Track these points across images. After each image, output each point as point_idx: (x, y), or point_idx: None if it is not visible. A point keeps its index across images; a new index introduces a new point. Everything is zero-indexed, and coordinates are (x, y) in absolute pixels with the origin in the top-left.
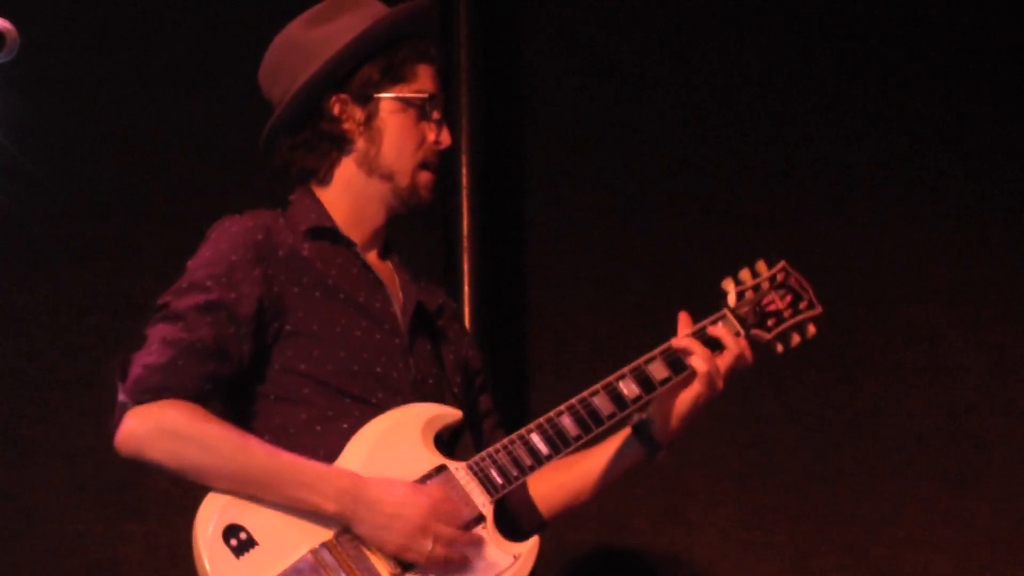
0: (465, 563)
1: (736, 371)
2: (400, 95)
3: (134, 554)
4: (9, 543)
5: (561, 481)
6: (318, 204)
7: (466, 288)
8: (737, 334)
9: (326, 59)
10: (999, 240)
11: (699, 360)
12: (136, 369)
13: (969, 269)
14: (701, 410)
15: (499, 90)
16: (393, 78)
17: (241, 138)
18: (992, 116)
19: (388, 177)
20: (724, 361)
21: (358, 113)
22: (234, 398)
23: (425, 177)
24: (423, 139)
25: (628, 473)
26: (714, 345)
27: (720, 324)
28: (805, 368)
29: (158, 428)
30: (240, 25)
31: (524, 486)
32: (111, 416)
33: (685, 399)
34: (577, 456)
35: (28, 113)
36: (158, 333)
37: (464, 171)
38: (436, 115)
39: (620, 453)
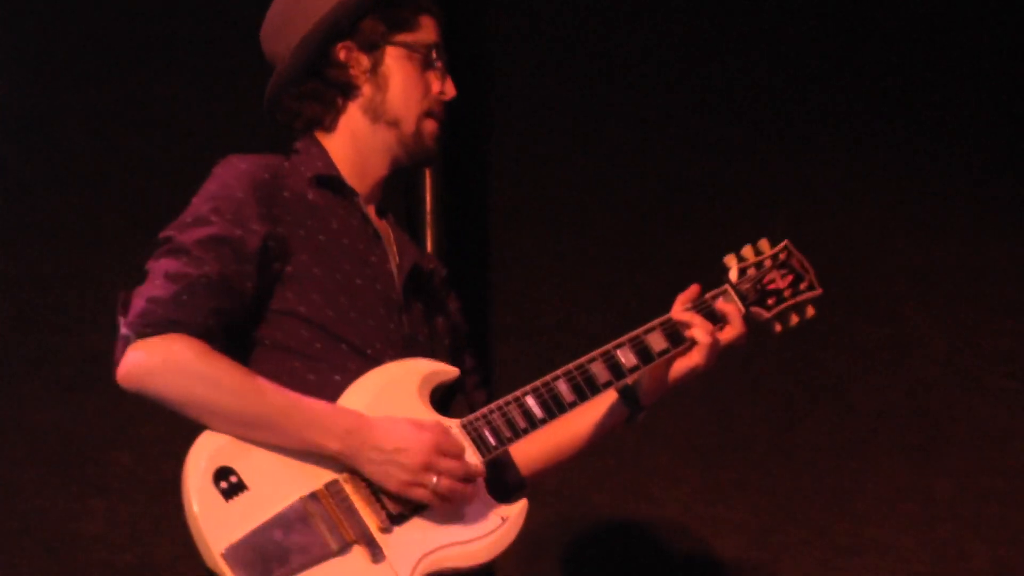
0: (457, 520)
1: (734, 348)
2: (405, 43)
3: (96, 529)
4: None
5: (543, 439)
6: (324, 153)
7: None
8: (739, 311)
9: (330, 8)
10: (961, 216)
11: (701, 332)
12: (140, 302)
13: (931, 245)
14: (692, 381)
15: (463, 66)
16: (398, 27)
17: (206, 115)
18: (952, 91)
19: (394, 124)
20: (725, 336)
21: (364, 60)
22: (231, 341)
23: (430, 126)
24: (428, 88)
25: (609, 434)
26: (715, 319)
27: (721, 299)
28: (767, 343)
29: (165, 362)
30: (211, 4)
31: None
32: (112, 351)
33: (680, 368)
34: (562, 416)
35: None
36: (161, 267)
37: None
38: (439, 65)
39: (602, 414)
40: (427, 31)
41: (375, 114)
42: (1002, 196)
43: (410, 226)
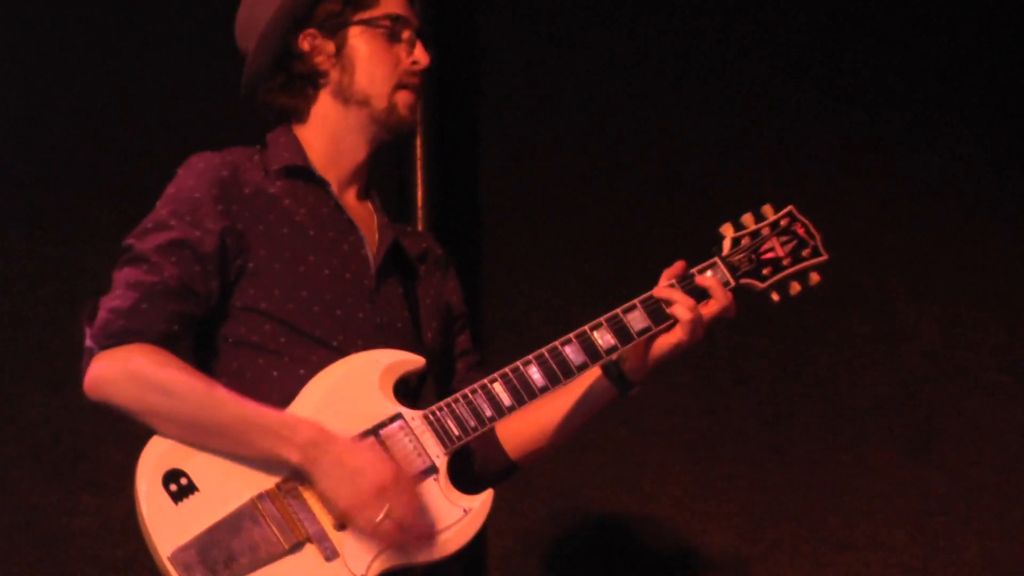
0: (417, 526)
1: (721, 321)
2: (365, 20)
3: (88, 526)
4: None
5: (529, 420)
6: (294, 142)
7: None
8: (726, 284)
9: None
10: (952, 211)
11: (682, 308)
12: (103, 313)
13: (922, 239)
14: (677, 357)
15: (453, 61)
16: (356, 5)
17: (195, 108)
18: (943, 88)
19: (364, 103)
20: (708, 311)
21: (328, 46)
22: (196, 342)
23: (404, 97)
24: (397, 61)
25: (599, 413)
26: (700, 295)
27: (709, 273)
28: (758, 337)
29: (124, 372)
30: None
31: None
32: (79, 363)
33: (663, 345)
34: (544, 398)
35: None
36: (123, 277)
37: (419, 142)
38: (406, 35)
39: (590, 393)
40: (389, 4)
41: (345, 97)
42: (993, 190)
43: (401, 221)
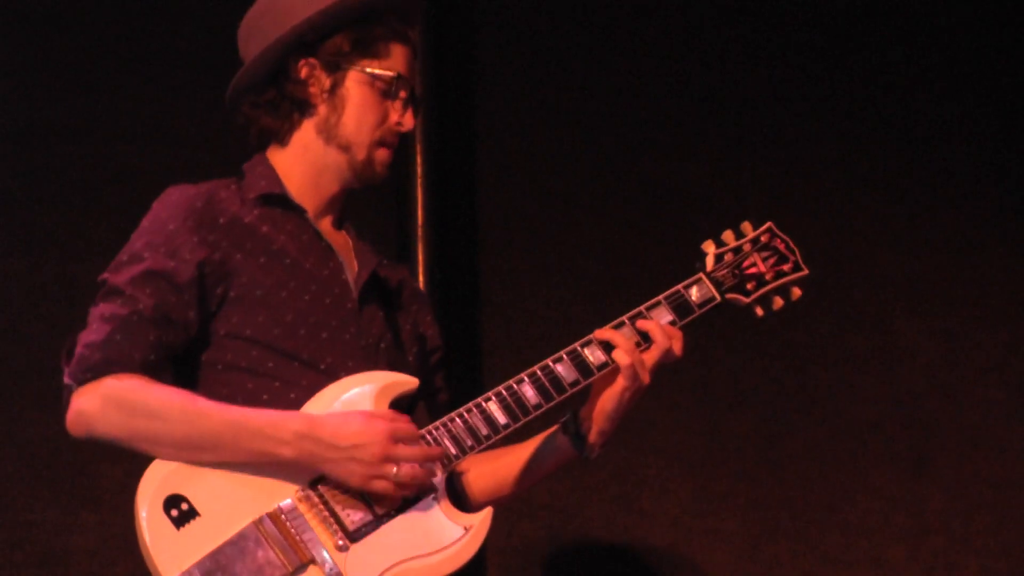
0: (417, 533)
1: (665, 365)
2: (368, 69)
3: (87, 543)
4: None
5: (491, 469)
6: (270, 171)
7: (420, 276)
8: (711, 299)
9: (298, 21)
10: (949, 226)
11: (621, 354)
12: (78, 349)
13: (919, 256)
14: (627, 405)
15: (451, 79)
16: (364, 52)
17: (194, 127)
18: (940, 104)
19: (345, 148)
20: (650, 356)
21: (324, 80)
22: (182, 369)
23: (382, 154)
24: (385, 117)
25: (559, 469)
26: (642, 337)
27: (694, 289)
28: (756, 355)
29: (104, 402)
30: (198, 15)
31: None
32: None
33: (611, 395)
34: (507, 448)
35: None
36: (98, 312)
37: (419, 160)
38: (403, 95)
39: (549, 449)
40: (396, 60)
41: (328, 135)
42: (991, 206)
43: (401, 241)
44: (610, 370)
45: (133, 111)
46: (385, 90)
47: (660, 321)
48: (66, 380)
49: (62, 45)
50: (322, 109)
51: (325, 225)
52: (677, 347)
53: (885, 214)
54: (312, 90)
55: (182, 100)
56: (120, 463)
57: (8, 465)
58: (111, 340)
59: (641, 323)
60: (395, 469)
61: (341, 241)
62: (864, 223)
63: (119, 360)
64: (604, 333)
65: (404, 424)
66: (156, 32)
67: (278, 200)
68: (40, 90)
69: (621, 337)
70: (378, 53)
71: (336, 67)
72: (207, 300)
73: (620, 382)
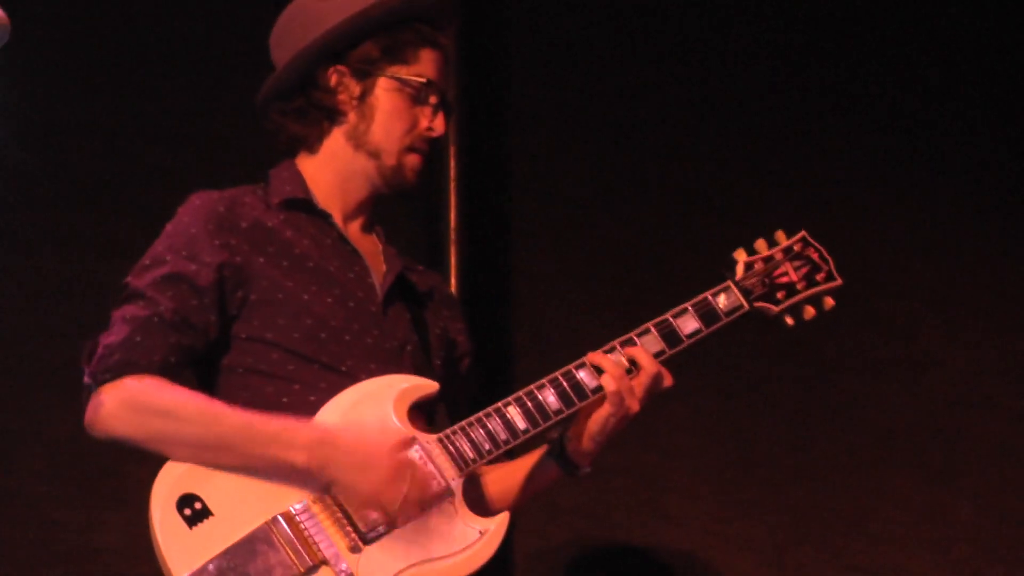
0: (431, 536)
1: (655, 392)
2: (397, 75)
3: (112, 543)
4: None
5: (484, 487)
6: (296, 176)
7: (453, 279)
8: (739, 307)
9: (326, 29)
10: (977, 236)
11: (609, 379)
12: (99, 350)
13: (948, 265)
14: (613, 430)
15: (485, 85)
16: (393, 58)
17: (222, 129)
18: (973, 112)
19: (375, 155)
20: (639, 382)
21: (354, 87)
22: (203, 373)
23: (412, 160)
24: (415, 123)
25: (546, 489)
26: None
27: (722, 297)
28: (783, 363)
29: (121, 403)
30: (228, 17)
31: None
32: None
33: (597, 419)
34: (496, 465)
35: (12, 99)
36: (120, 314)
37: (452, 164)
38: (433, 100)
39: (537, 469)
40: (425, 65)
41: (357, 142)
42: (1020, 216)
43: (433, 244)
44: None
45: (163, 112)
46: (415, 96)
47: (651, 349)
48: (86, 380)
49: (92, 45)
50: (352, 116)
51: (353, 229)
52: (666, 375)
53: (913, 223)
54: (341, 97)
55: (212, 101)
56: (145, 464)
57: (34, 464)
58: (131, 342)
59: (629, 350)
60: (405, 488)
61: (369, 245)
62: (892, 232)
63: (138, 361)
64: (595, 358)
65: (418, 450)
66: (188, 33)
67: (302, 205)
68: (69, 90)
69: (610, 362)
70: (407, 59)
71: (366, 74)
72: (227, 303)
73: (606, 407)
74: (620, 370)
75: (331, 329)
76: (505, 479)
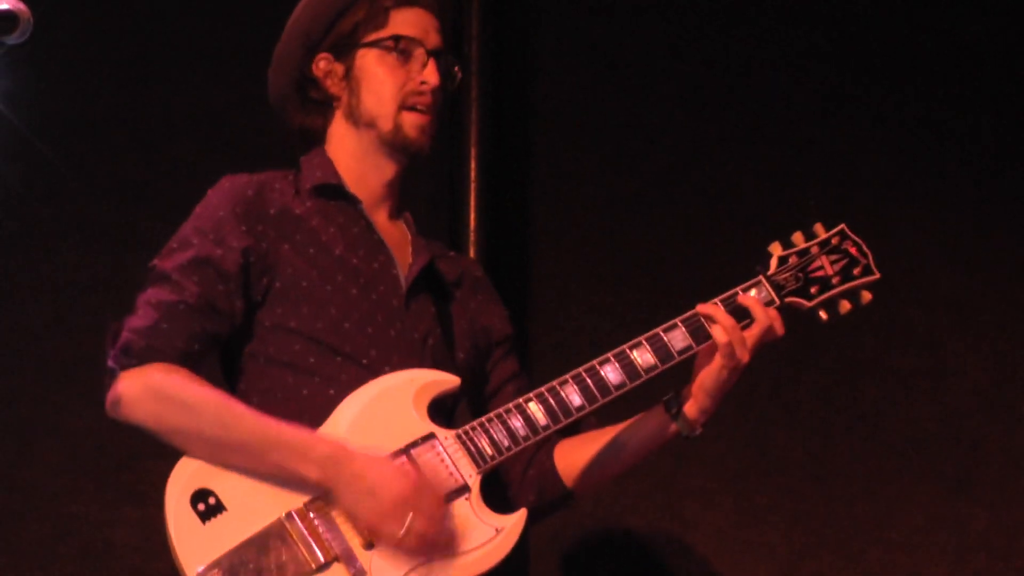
0: (443, 538)
1: (765, 343)
2: (371, 40)
3: (129, 537)
4: (4, 524)
5: (589, 452)
6: (327, 162)
7: None
8: (770, 303)
9: (291, 23)
10: (1000, 246)
11: (719, 330)
12: (124, 334)
13: (970, 275)
14: (726, 382)
15: (508, 86)
16: (366, 28)
17: (244, 123)
18: (996, 120)
19: (371, 124)
20: (751, 333)
21: (338, 68)
22: (226, 358)
23: (410, 118)
24: (404, 81)
25: (662, 448)
26: (742, 315)
27: (753, 292)
28: (804, 369)
29: (144, 390)
30: (248, 13)
31: (549, 453)
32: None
33: (708, 372)
34: (608, 429)
35: (37, 93)
36: (146, 297)
37: (472, 164)
38: (418, 53)
39: (652, 428)
40: (398, 25)
41: (355, 119)
42: None
43: (453, 244)
44: (696, 353)
45: (188, 106)
46: (399, 57)
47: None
48: (109, 363)
49: (116, 39)
50: (344, 96)
51: (381, 216)
52: (778, 325)
53: (937, 232)
54: (329, 82)
55: (236, 95)
56: (164, 459)
57: (53, 457)
58: (156, 328)
59: (742, 298)
60: (402, 531)
61: (397, 234)
62: (916, 240)
63: (163, 348)
64: (707, 308)
65: (433, 494)
66: (214, 27)
67: (333, 190)
68: (92, 84)
69: (722, 312)
70: (379, 24)
71: (344, 52)
72: (252, 289)
73: (717, 360)
74: (732, 320)
75: (354, 320)
76: (614, 442)
